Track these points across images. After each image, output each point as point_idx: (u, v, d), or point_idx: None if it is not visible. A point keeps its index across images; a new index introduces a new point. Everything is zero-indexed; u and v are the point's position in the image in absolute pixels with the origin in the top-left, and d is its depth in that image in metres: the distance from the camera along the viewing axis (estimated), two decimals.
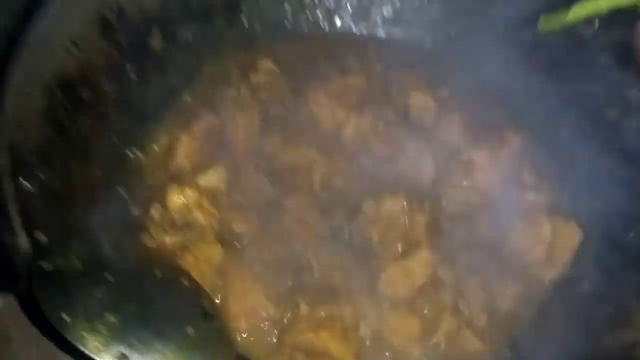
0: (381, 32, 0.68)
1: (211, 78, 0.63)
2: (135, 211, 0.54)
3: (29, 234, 0.39)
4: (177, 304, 0.45)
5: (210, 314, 0.46)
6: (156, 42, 0.59)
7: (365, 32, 0.68)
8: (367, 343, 0.50)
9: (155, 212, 0.52)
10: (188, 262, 0.51)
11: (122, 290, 0.41)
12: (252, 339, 0.48)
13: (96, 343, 0.37)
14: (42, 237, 0.40)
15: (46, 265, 0.38)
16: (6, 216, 0.39)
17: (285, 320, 0.49)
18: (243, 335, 0.49)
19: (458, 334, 0.50)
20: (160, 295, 0.44)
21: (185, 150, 0.57)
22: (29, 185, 0.43)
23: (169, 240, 0.51)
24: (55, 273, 0.38)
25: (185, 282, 0.47)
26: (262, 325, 0.49)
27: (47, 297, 0.37)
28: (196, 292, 0.48)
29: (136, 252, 0.48)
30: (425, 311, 0.51)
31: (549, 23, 0.51)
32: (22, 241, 0.39)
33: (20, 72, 0.45)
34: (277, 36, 0.66)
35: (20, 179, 0.42)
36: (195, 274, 0.50)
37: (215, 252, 0.52)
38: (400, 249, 0.52)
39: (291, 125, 0.59)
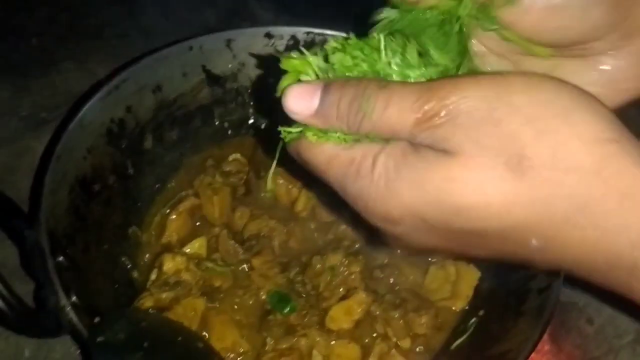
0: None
1: (191, 168, 0.74)
2: (137, 276, 0.65)
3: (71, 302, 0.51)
4: (194, 359, 0.56)
5: None
6: (148, 143, 0.71)
7: None
8: None
9: (153, 275, 0.63)
10: (178, 312, 0.60)
11: (154, 352, 0.51)
12: None
13: None
14: (96, 319, 0.52)
15: (100, 339, 0.50)
16: (51, 284, 0.51)
17: (256, 353, 0.61)
18: None
19: (388, 355, 0.61)
20: (182, 355, 0.55)
21: (173, 226, 0.68)
22: (63, 260, 0.54)
23: (164, 296, 0.61)
24: (105, 342, 0.50)
25: (200, 345, 0.57)
26: (238, 358, 0.61)
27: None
28: (208, 351, 0.57)
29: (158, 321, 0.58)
30: (363, 339, 0.62)
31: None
32: (63, 301, 0.51)
33: (51, 178, 0.58)
34: (242, 132, 0.78)
35: (58, 256, 0.54)
36: (184, 321, 0.60)
37: (199, 303, 0.62)
38: (342, 292, 0.63)
39: (255, 202, 0.71)
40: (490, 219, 0.33)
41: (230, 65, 0.76)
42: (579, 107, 0.32)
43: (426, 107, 0.32)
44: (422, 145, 0.34)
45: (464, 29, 0.40)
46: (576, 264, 0.34)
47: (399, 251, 0.42)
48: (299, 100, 0.37)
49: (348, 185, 0.36)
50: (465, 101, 0.32)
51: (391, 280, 0.66)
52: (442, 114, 0.32)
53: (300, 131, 0.38)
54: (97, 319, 0.53)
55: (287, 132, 0.39)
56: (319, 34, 0.77)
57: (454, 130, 0.32)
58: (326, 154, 0.37)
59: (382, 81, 0.36)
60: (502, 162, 0.31)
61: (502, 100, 0.32)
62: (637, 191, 0.31)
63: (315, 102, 0.36)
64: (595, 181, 0.31)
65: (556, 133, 0.31)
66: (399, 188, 0.34)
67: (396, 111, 0.33)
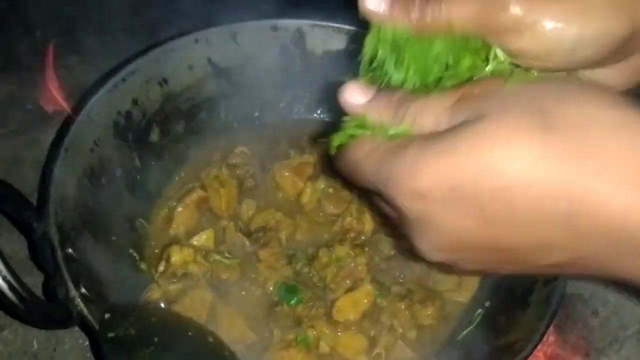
0: (328, 118, 0.81)
1: (198, 161, 0.74)
2: (144, 268, 0.65)
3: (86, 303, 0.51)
4: (205, 354, 0.55)
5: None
6: (155, 135, 0.71)
7: (316, 118, 0.81)
8: (326, 357, 0.61)
9: (161, 267, 0.63)
10: (186, 304, 0.61)
11: (165, 347, 0.51)
12: None
13: None
14: (107, 315, 0.52)
15: (110, 335, 0.50)
16: (60, 276, 0.52)
17: (263, 344, 0.61)
18: None
19: (395, 346, 0.62)
20: (193, 349, 0.54)
21: (180, 218, 0.68)
22: (72, 251, 0.55)
23: (171, 288, 0.61)
24: (116, 338, 0.50)
25: (211, 339, 0.57)
26: (245, 349, 0.61)
27: (111, 355, 0.50)
28: (219, 345, 0.57)
29: (168, 316, 0.58)
30: (369, 330, 0.62)
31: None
32: (72, 293, 0.52)
33: (60, 170, 0.58)
34: (248, 125, 0.78)
35: (66, 248, 0.54)
36: (191, 313, 0.60)
37: (207, 295, 0.62)
38: (348, 284, 0.64)
39: (262, 195, 0.72)
40: (519, 172, 0.32)
41: (236, 58, 0.76)
42: (595, 89, 0.34)
43: (463, 90, 0.37)
44: (456, 125, 0.35)
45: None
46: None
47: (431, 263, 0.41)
48: (355, 94, 0.41)
49: (383, 167, 0.37)
50: (496, 85, 0.36)
51: (397, 272, 0.66)
52: (476, 91, 0.36)
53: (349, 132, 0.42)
54: (107, 315, 0.53)
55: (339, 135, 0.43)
56: (324, 26, 0.77)
57: (485, 99, 0.35)
58: (367, 146, 0.40)
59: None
60: (527, 118, 0.33)
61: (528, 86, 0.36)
62: None
63: (368, 95, 0.41)
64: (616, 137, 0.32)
65: (577, 100, 0.33)
66: (429, 156, 0.35)
67: (437, 99, 0.38)
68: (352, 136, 0.42)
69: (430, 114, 0.37)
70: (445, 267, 0.43)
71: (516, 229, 0.35)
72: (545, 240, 0.34)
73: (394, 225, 0.43)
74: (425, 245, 0.38)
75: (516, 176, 0.32)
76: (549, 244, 0.35)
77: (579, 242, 0.34)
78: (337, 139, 0.43)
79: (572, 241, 0.34)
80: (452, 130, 0.35)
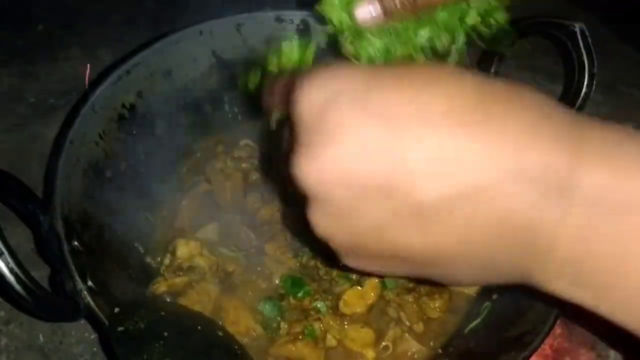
0: None
1: (203, 154, 0.74)
2: (150, 261, 0.65)
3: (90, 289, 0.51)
4: (215, 348, 0.55)
5: (237, 354, 0.55)
6: (159, 128, 0.70)
7: None
8: (333, 350, 0.61)
9: (167, 260, 0.63)
10: (192, 297, 0.60)
11: (175, 342, 0.50)
12: None
13: None
14: (116, 309, 0.51)
15: (120, 329, 0.49)
16: (67, 269, 0.51)
17: (270, 337, 0.61)
18: None
19: (402, 338, 0.62)
20: (203, 344, 0.54)
21: (186, 211, 0.68)
22: (78, 244, 0.55)
23: (177, 280, 0.61)
24: (126, 332, 0.49)
25: (220, 333, 0.57)
26: (252, 342, 0.61)
27: (120, 349, 0.49)
28: (228, 339, 0.57)
29: (178, 310, 0.58)
30: (376, 323, 0.62)
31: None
32: (79, 286, 0.51)
33: (65, 163, 0.57)
34: (252, 118, 0.77)
35: (73, 241, 0.54)
36: (197, 306, 0.60)
37: (212, 288, 0.62)
38: (354, 277, 0.63)
39: (267, 188, 0.71)
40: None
41: (240, 50, 0.75)
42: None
43: None
44: None
45: None
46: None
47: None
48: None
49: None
50: None
51: None
52: None
53: None
54: (116, 309, 0.52)
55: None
56: None
57: None
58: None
59: None
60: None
61: None
62: None
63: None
64: None
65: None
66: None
67: None
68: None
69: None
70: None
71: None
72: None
73: None
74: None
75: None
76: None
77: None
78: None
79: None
80: None
